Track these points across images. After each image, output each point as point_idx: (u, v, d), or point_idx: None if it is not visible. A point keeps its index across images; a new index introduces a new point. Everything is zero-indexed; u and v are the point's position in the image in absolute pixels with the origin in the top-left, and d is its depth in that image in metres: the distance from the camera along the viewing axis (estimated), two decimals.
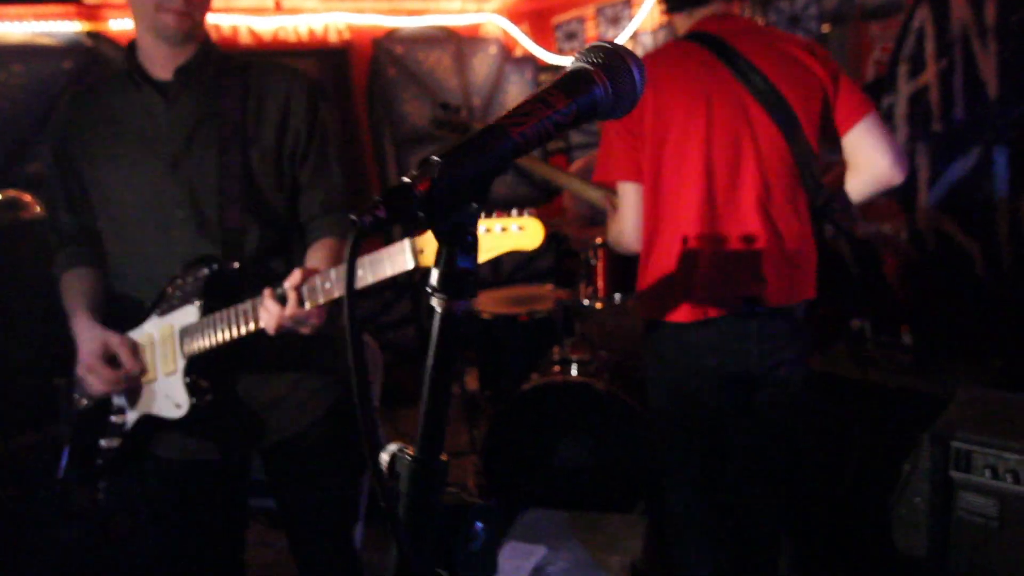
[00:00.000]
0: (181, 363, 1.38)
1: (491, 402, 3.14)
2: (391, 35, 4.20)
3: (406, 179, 0.50)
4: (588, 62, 0.59)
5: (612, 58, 0.58)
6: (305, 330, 1.29)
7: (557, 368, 2.56)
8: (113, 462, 1.48)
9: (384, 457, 0.59)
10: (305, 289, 1.25)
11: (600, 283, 2.62)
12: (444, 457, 0.59)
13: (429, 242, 1.12)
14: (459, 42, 4.63)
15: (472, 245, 0.52)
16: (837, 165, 1.74)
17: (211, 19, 3.52)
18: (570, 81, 0.58)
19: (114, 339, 1.43)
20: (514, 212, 1.08)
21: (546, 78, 4.95)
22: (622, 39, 4.44)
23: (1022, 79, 2.98)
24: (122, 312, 1.47)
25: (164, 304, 1.41)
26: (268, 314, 1.25)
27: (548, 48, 4.82)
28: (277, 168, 1.46)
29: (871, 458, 2.35)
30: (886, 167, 1.58)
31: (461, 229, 0.51)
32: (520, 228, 1.06)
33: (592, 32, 4.65)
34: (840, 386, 2.43)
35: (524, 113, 0.55)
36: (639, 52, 4.24)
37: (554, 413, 2.45)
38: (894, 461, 1.73)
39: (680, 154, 1.59)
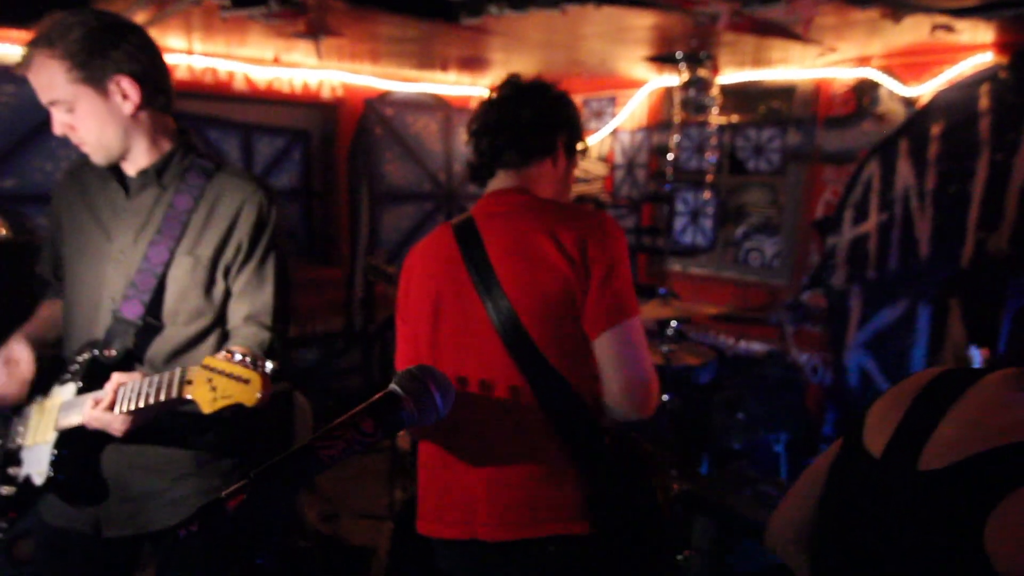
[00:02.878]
0: (52, 435, 1.51)
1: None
2: (383, 97, 4.46)
3: (221, 496, 0.65)
4: (401, 387, 0.76)
5: (418, 385, 0.76)
6: (114, 432, 1.38)
7: None
8: (8, 508, 1.59)
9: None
10: (121, 392, 1.36)
11: None
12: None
13: (198, 374, 1.24)
14: (448, 110, 4.90)
15: (273, 545, 0.70)
16: None
17: (210, 63, 3.76)
18: (381, 407, 0.74)
19: (17, 347, 1.55)
20: (232, 357, 1.16)
21: None
22: (602, 134, 4.75)
23: (951, 245, 3.30)
24: (52, 372, 1.60)
25: (64, 377, 1.56)
26: (86, 409, 1.38)
27: None
28: (210, 275, 1.53)
29: None
30: (615, 393, 1.35)
31: (265, 530, 0.69)
32: (241, 380, 1.14)
33: None
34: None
35: (334, 436, 0.68)
36: (617, 148, 4.55)
37: None
38: None
39: (419, 358, 1.49)
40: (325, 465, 0.68)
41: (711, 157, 4.27)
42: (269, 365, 1.17)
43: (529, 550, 1.36)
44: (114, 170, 1.55)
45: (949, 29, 2.93)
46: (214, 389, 1.20)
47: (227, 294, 1.57)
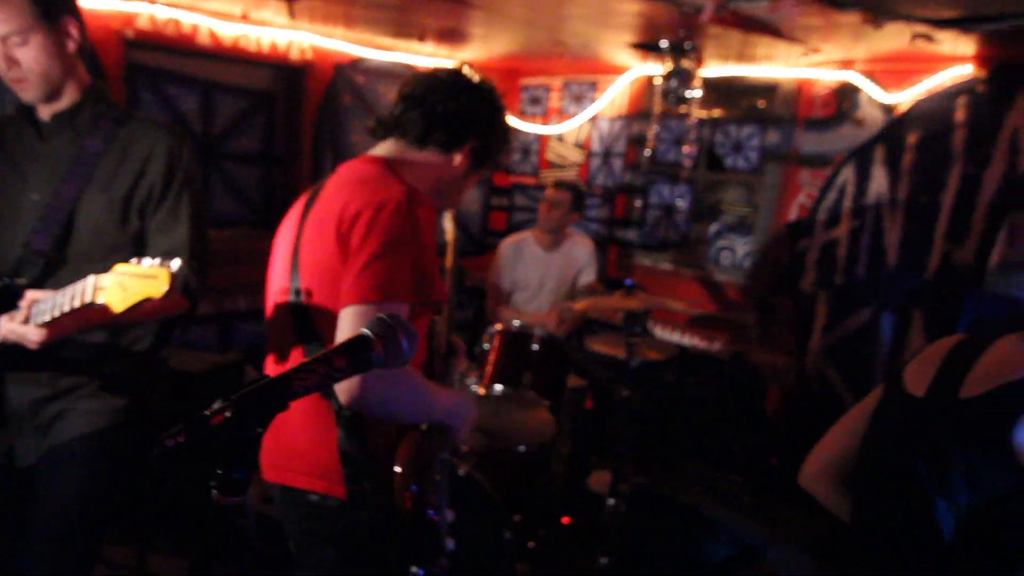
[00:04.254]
0: None
1: None
2: (355, 64, 4.43)
3: (205, 412, 0.72)
4: (372, 332, 0.84)
5: (388, 331, 0.85)
6: (29, 344, 1.49)
7: None
8: None
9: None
10: (35, 308, 1.47)
11: (488, 369, 2.87)
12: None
13: (109, 279, 1.33)
14: None
15: (249, 461, 0.75)
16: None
17: (173, 14, 3.70)
18: (354, 347, 0.83)
19: None
20: (141, 262, 1.29)
21: None
22: (581, 120, 4.79)
23: (918, 255, 3.43)
24: None
25: None
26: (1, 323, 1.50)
27: (512, 108, 5.13)
28: (123, 213, 1.67)
29: None
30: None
31: (244, 447, 0.74)
32: (149, 276, 1.27)
33: (555, 103, 4.99)
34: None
35: (309, 371, 0.79)
36: (595, 135, 4.59)
37: None
38: None
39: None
40: (299, 394, 0.77)
41: (689, 151, 4.34)
42: (176, 263, 1.29)
43: (295, 496, 1.51)
44: (28, 117, 1.70)
45: (929, 39, 3.02)
46: (125, 290, 1.30)
47: (143, 234, 1.71)
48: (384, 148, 1.59)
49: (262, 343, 1.69)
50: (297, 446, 1.51)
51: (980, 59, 3.25)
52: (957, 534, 1.17)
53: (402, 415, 1.47)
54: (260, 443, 0.76)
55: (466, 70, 1.62)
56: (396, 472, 1.43)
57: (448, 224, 2.02)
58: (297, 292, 1.48)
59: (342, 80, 4.41)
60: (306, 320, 1.46)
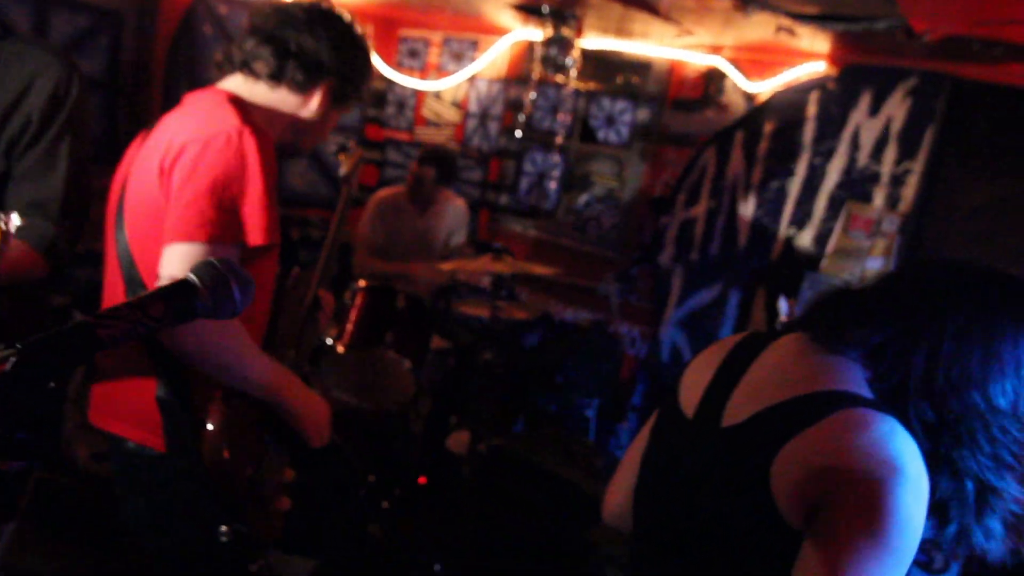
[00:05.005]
0: None
1: None
2: None
3: None
4: (198, 277, 0.74)
5: (217, 277, 0.74)
6: None
7: None
8: None
9: None
10: None
11: (349, 327, 2.79)
12: None
13: None
14: None
15: (38, 420, 0.66)
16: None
17: None
18: (175, 292, 0.72)
19: None
20: None
21: (379, 86, 5.07)
22: (459, 78, 4.72)
23: (766, 237, 3.69)
24: None
25: None
26: None
27: (388, 59, 4.96)
28: None
29: None
30: None
31: (29, 405, 0.65)
32: None
33: (434, 59, 4.88)
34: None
35: (116, 317, 0.65)
36: (473, 96, 4.53)
37: None
38: None
39: None
40: (104, 345, 0.65)
41: (563, 120, 4.39)
42: (15, 220, 1.10)
43: (114, 443, 1.44)
44: None
45: (791, 32, 3.23)
46: None
47: (7, 176, 1.45)
48: (234, 83, 1.46)
49: (98, 290, 1.53)
50: (114, 390, 1.42)
51: (833, 58, 3.51)
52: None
53: (224, 371, 1.35)
54: (58, 400, 0.67)
55: (323, 3, 1.51)
56: (207, 429, 1.35)
57: (344, 169, 1.93)
58: (124, 241, 1.35)
59: (203, 7, 4.07)
60: (133, 273, 1.35)
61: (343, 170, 1.96)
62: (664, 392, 1.18)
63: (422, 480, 3.30)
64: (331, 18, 1.48)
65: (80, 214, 1.54)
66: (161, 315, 0.70)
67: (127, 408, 1.40)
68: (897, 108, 3.32)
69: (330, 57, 1.45)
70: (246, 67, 1.45)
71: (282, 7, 1.48)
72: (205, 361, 1.32)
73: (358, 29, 1.52)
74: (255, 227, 1.31)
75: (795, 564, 0.89)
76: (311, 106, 1.49)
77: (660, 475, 1.11)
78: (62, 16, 3.66)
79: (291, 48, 1.43)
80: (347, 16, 1.51)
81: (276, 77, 1.44)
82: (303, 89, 1.46)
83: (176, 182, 1.27)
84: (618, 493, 1.24)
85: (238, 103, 1.40)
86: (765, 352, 1.05)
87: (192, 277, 0.74)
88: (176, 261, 1.25)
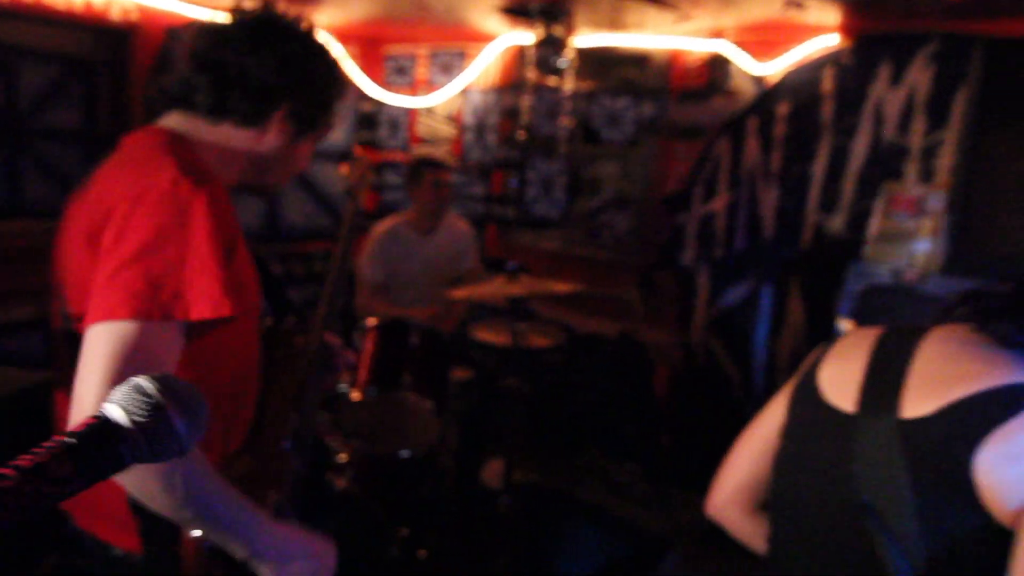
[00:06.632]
0: None
1: None
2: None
3: None
4: (123, 410, 0.52)
5: (151, 410, 0.52)
6: None
7: None
8: None
9: None
10: None
11: (362, 371, 2.62)
12: None
13: None
14: None
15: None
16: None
17: None
18: (87, 440, 0.50)
19: None
20: None
21: (368, 108, 4.92)
22: (450, 92, 4.55)
23: (794, 225, 3.50)
24: None
25: None
26: None
27: (376, 78, 4.80)
28: None
29: None
30: (73, 411, 1.00)
31: None
32: None
33: (423, 74, 4.72)
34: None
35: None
36: (467, 108, 4.37)
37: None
38: None
39: None
40: None
41: (564, 124, 4.22)
42: None
43: (103, 549, 1.22)
44: None
45: (799, 5, 3.05)
46: None
47: None
48: (176, 119, 1.25)
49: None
50: (92, 491, 1.21)
51: (845, 29, 3.32)
52: None
53: (183, 518, 1.07)
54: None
55: (261, 9, 1.25)
56: (190, 535, 1.12)
57: (350, 180, 1.74)
58: (65, 315, 1.15)
59: (177, 45, 3.91)
60: (76, 352, 1.10)
61: (349, 181, 1.77)
62: (796, 386, 1.18)
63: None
64: (277, 31, 1.24)
65: None
66: (70, 475, 0.48)
67: (106, 510, 1.20)
68: (920, 76, 3.13)
69: (280, 79, 1.22)
70: (184, 102, 1.23)
71: (220, 26, 1.24)
72: (162, 509, 1.05)
73: (315, 39, 1.28)
74: (201, 296, 1.05)
75: (1012, 557, 0.87)
76: (267, 140, 1.26)
77: (814, 471, 1.09)
78: (32, 68, 3.52)
79: (230, 74, 1.20)
80: (300, 25, 1.27)
81: (217, 112, 1.22)
82: (253, 122, 1.24)
83: (103, 251, 1.05)
84: (726, 489, 1.27)
85: (179, 145, 1.19)
86: (924, 344, 1.05)
87: (112, 411, 0.52)
88: (95, 350, 0.99)
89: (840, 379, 1.09)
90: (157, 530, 1.14)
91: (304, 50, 1.25)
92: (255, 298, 1.25)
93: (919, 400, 0.99)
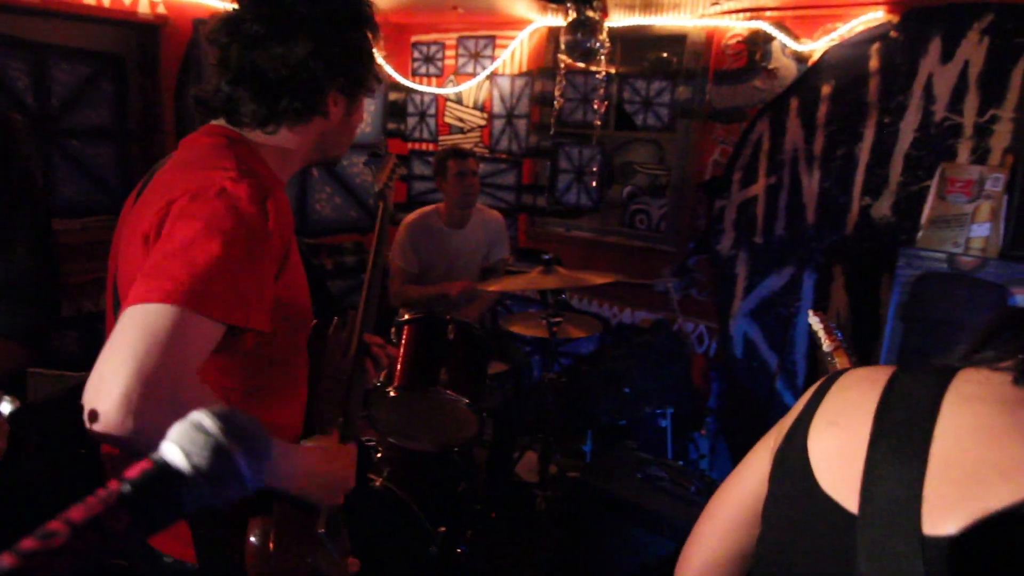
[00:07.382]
0: None
1: None
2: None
3: None
4: (183, 451, 0.46)
5: (218, 458, 0.47)
6: None
7: None
8: None
9: None
10: None
11: (398, 367, 2.59)
12: None
13: None
14: None
15: None
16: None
17: None
18: (144, 487, 0.45)
19: None
20: None
21: (396, 97, 4.88)
22: (479, 79, 4.48)
23: (837, 210, 3.38)
24: None
25: None
26: None
27: (402, 68, 4.76)
28: None
29: None
30: (90, 387, 0.92)
31: None
32: None
33: (451, 61, 4.65)
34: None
35: (48, 552, 0.40)
36: (496, 97, 4.29)
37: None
38: None
39: None
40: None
41: (597, 109, 4.13)
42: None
43: (154, 557, 1.19)
44: None
45: None
46: None
47: None
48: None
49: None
50: None
51: (891, 4, 3.18)
52: None
53: None
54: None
55: None
56: (251, 543, 1.13)
57: (378, 183, 1.69)
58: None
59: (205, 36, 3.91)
60: None
61: (377, 184, 1.73)
62: (781, 449, 0.88)
63: (492, 515, 3.09)
64: (301, 9, 1.15)
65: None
66: (126, 529, 0.43)
67: None
68: (973, 50, 2.99)
69: (319, 63, 1.14)
70: (230, 115, 1.18)
71: (239, 21, 1.15)
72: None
73: (342, 4, 1.20)
74: (241, 303, 1.00)
75: None
76: (325, 123, 1.23)
77: (808, 570, 0.83)
78: (62, 67, 3.53)
79: (271, 79, 1.13)
80: None
81: (270, 122, 1.17)
82: (307, 118, 1.20)
83: (153, 243, 1.02)
84: (693, 566, 0.99)
85: (240, 146, 1.16)
86: (947, 406, 0.74)
87: (171, 453, 0.46)
88: (124, 330, 0.93)
89: (837, 458, 0.81)
90: (212, 539, 1.12)
91: (328, 16, 1.17)
92: (304, 309, 1.22)
93: (945, 509, 0.71)
